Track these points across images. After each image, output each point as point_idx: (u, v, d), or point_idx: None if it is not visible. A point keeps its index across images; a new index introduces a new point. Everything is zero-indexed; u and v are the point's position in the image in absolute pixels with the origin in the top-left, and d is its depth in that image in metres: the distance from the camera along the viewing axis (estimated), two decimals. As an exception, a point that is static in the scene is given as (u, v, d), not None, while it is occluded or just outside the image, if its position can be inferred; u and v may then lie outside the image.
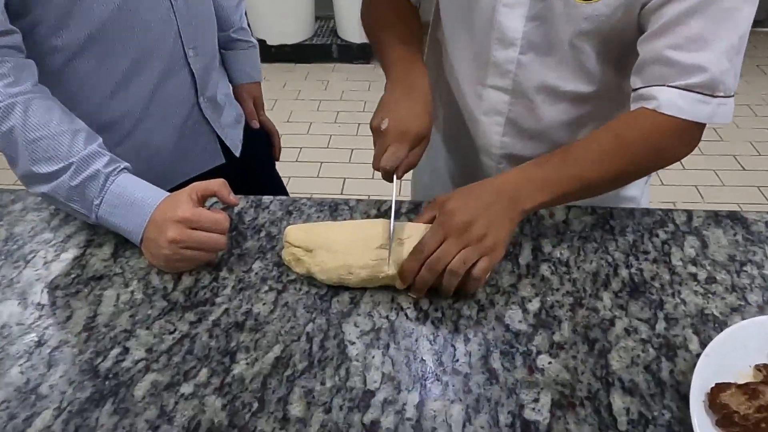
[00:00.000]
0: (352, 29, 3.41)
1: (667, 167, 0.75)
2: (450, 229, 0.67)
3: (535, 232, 0.80)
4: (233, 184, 0.91)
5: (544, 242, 0.78)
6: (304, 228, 0.75)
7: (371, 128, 0.78)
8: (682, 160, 0.74)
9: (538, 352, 0.64)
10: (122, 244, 0.79)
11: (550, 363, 0.63)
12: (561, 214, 0.83)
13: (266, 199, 0.88)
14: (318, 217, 0.84)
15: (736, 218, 0.82)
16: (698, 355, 0.62)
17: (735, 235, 0.79)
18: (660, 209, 0.84)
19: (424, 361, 0.63)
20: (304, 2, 3.42)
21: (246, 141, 1.15)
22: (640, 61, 0.71)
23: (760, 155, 2.59)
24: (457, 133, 0.97)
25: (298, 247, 0.74)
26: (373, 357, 0.64)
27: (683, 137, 0.71)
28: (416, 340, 0.66)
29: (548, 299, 0.70)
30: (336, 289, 0.72)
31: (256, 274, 0.75)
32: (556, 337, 0.65)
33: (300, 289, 0.73)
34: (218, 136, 1.05)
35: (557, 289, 0.71)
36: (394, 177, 0.75)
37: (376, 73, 3.39)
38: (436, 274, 0.67)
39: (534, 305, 0.69)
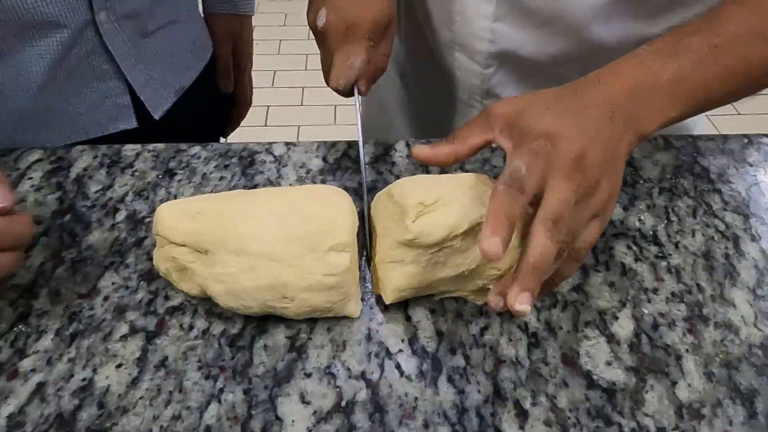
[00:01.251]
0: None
1: None
2: (555, 161, 0.33)
3: (589, 186, 0.48)
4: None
5: (609, 202, 0.47)
6: (192, 207, 0.40)
7: (310, 28, 0.47)
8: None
9: (661, 431, 0.33)
10: None
11: (689, 454, 0.33)
12: (621, 151, 0.51)
13: (129, 149, 0.51)
14: (222, 179, 0.49)
15: None
16: None
17: None
18: (765, 135, 0.54)
19: (449, 474, 0.32)
20: None
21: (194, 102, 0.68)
22: None
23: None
24: (418, 20, 0.61)
25: (182, 245, 0.39)
26: (346, 476, 0.32)
27: None
28: (426, 426, 0.34)
29: (645, 311, 0.39)
30: (260, 321, 0.39)
31: (107, 300, 0.40)
32: (683, 393, 0.35)
33: (191, 328, 0.38)
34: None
35: (655, 291, 0.41)
36: (356, 94, 0.46)
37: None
38: (566, 250, 0.33)
39: (625, 326, 0.39)
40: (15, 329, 0.38)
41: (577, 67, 0.46)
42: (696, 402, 0.35)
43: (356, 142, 0.52)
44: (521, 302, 0.30)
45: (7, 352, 0.37)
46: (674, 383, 0.36)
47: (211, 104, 0.75)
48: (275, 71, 2.32)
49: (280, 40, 2.48)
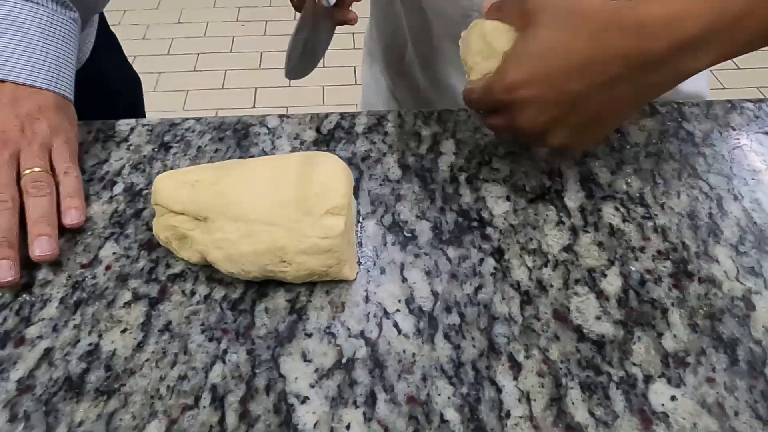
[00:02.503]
0: None
1: None
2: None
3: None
4: None
5: (597, 167, 0.48)
6: (189, 177, 0.41)
7: None
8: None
9: (648, 378, 0.35)
10: None
11: (674, 399, 0.34)
12: (608, 117, 0.53)
13: (124, 123, 0.52)
14: (217, 151, 0.49)
15: None
16: None
17: None
18: (747, 99, 0.55)
19: (447, 423, 0.33)
20: None
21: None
22: None
23: None
24: (420, 6, 0.61)
25: (181, 213, 0.40)
26: (348, 427, 0.33)
27: None
28: (424, 379, 0.35)
29: (632, 269, 0.41)
30: (260, 285, 0.40)
31: (108, 269, 0.41)
32: (669, 343, 0.37)
33: (192, 294, 0.39)
34: None
35: (642, 249, 0.42)
36: None
37: (281, -41, 2.86)
38: None
39: (613, 283, 0.40)
40: (19, 298, 0.39)
41: None
42: (681, 351, 0.36)
43: (349, 114, 0.53)
44: None
45: (13, 320, 0.38)
46: (660, 335, 0.37)
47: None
48: (262, 52, 2.30)
49: (266, 21, 2.45)
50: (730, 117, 0.53)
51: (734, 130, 0.52)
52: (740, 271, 0.41)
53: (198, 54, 2.28)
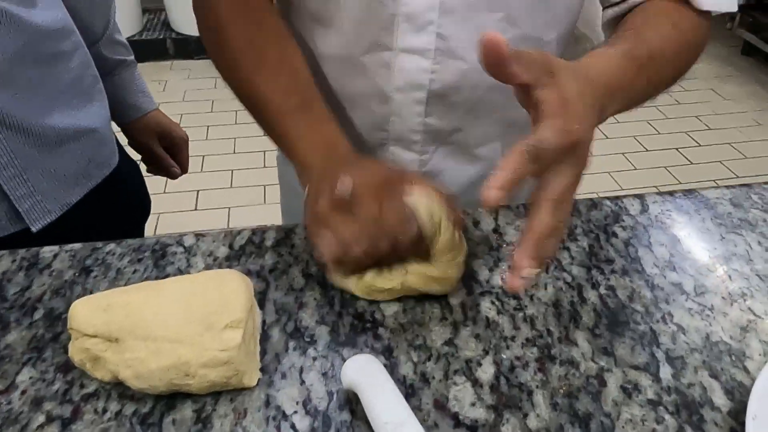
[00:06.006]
0: (187, 21, 3.00)
1: None
2: (578, 151, 0.40)
3: (460, 252, 0.56)
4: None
5: (477, 266, 0.55)
6: (102, 301, 0.45)
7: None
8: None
9: (513, 457, 0.40)
10: None
11: (535, 474, 0.39)
12: (489, 221, 0.60)
13: (47, 251, 0.56)
14: (135, 272, 0.54)
15: (695, 199, 0.65)
16: (732, 414, 0.43)
17: (703, 221, 0.62)
18: (606, 198, 0.65)
19: None
20: (126, -9, 2.95)
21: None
22: None
23: (659, 133, 2.62)
24: (350, 123, 0.68)
25: (95, 336, 0.43)
26: None
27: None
28: (316, 475, 0.39)
29: (504, 357, 0.47)
30: (170, 398, 0.43)
31: (24, 393, 0.43)
32: (533, 423, 0.42)
33: (105, 411, 0.42)
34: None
35: (513, 338, 0.48)
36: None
37: (221, 68, 3.02)
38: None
39: (487, 372, 0.46)
40: (-66, 430, 0.41)
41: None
42: (543, 429, 0.42)
43: (260, 229, 0.59)
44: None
45: (-74, 452, 0.40)
46: (526, 415, 0.42)
47: (114, 210, 0.80)
48: (204, 156, 2.38)
49: (208, 126, 2.56)
50: (591, 213, 0.62)
51: (595, 225, 0.60)
52: (595, 352, 0.47)
53: (138, 161, 2.33)
